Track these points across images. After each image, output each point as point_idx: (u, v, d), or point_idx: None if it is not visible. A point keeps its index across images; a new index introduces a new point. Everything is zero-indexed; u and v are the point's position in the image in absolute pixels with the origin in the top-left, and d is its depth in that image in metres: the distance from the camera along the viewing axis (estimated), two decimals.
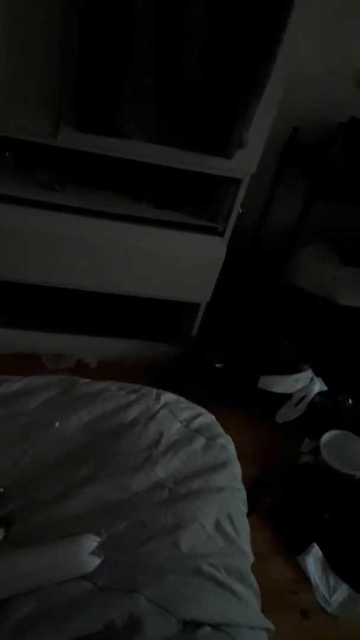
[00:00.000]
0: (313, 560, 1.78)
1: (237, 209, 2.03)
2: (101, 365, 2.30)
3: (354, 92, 2.12)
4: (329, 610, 1.68)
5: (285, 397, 2.20)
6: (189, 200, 2.12)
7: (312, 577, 1.74)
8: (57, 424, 1.32)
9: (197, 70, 1.60)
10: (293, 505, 1.93)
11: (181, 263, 2.10)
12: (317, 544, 1.82)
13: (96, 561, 1.05)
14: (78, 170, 2.01)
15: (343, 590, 1.73)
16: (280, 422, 2.21)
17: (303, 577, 1.74)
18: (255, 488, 1.94)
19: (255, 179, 1.97)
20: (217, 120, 1.70)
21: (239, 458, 1.56)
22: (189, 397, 1.68)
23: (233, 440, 1.60)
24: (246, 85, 1.65)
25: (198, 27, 1.53)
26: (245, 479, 1.90)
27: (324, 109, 2.21)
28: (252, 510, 1.84)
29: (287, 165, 2.32)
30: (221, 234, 2.08)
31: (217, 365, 2.25)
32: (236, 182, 1.96)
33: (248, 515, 1.75)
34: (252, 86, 1.65)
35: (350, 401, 2.26)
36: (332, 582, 1.75)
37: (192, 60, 1.58)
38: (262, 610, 1.25)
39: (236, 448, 1.58)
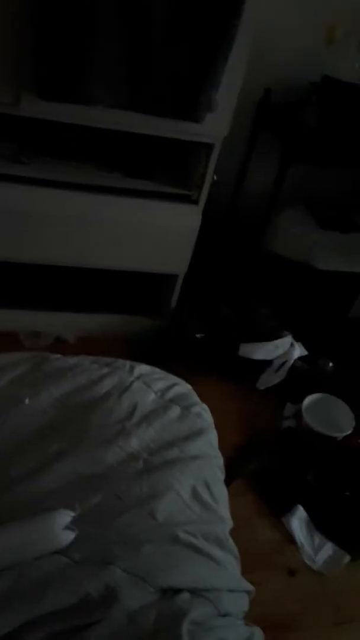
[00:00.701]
0: (298, 520, 1.82)
1: (210, 175, 1.99)
2: (80, 341, 2.28)
3: (326, 50, 2.06)
4: (314, 567, 1.72)
5: (266, 364, 2.20)
6: (161, 168, 2.07)
7: (297, 537, 1.78)
8: (27, 401, 1.31)
9: (162, 33, 1.55)
10: (277, 469, 1.96)
11: (156, 233, 2.06)
12: (302, 505, 1.84)
13: (70, 535, 1.05)
14: (45, 141, 1.95)
15: (328, 548, 1.77)
16: (262, 388, 2.22)
17: (289, 538, 1.78)
18: (239, 454, 1.97)
19: (228, 144, 1.93)
20: (184, 83, 1.65)
21: (222, 426, 1.57)
22: (170, 369, 1.68)
23: (216, 408, 1.60)
24: (211, 45, 1.59)
25: None
26: (230, 446, 1.93)
27: (296, 69, 2.15)
28: (236, 475, 1.87)
29: (260, 128, 2.27)
30: (195, 202, 2.04)
31: (198, 335, 2.25)
32: (208, 147, 1.91)
33: (231, 480, 1.78)
34: (218, 46, 1.60)
35: (330, 364, 2.27)
36: (316, 540, 1.78)
37: (156, 22, 1.53)
38: (249, 571, 1.28)
39: (219, 416, 1.59)
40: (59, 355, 1.53)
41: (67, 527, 1.06)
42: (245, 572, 1.27)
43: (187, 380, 1.65)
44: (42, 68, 1.56)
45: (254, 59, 1.71)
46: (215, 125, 1.79)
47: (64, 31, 1.49)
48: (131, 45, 1.55)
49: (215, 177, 2.01)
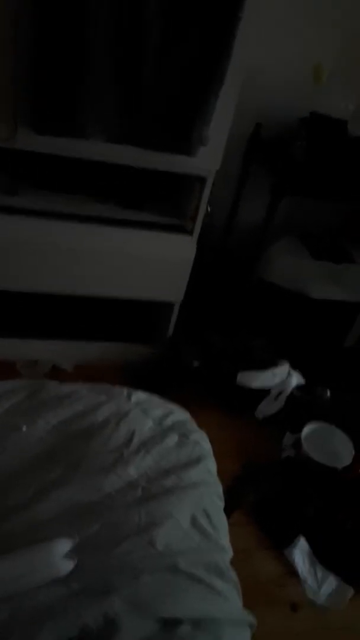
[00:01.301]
0: (300, 553, 1.78)
1: (204, 207, 2.03)
2: (78, 369, 2.27)
3: (314, 88, 2.15)
4: (318, 602, 1.67)
5: (264, 393, 2.19)
6: (156, 200, 2.12)
7: (299, 570, 1.73)
8: (24, 429, 1.30)
9: (154, 70, 1.60)
10: (277, 499, 1.93)
11: (152, 263, 2.09)
12: (303, 537, 1.81)
13: (69, 565, 1.03)
14: (40, 173, 2.00)
15: (331, 582, 1.72)
16: (260, 417, 2.21)
17: (291, 571, 1.73)
18: (238, 484, 1.94)
19: (222, 177, 1.98)
20: (177, 118, 1.71)
21: (220, 455, 1.56)
22: (167, 397, 1.67)
23: (214, 437, 1.59)
24: (203, 81, 1.66)
25: (152, 27, 1.54)
26: (228, 475, 1.91)
27: (286, 105, 2.23)
28: (236, 506, 1.84)
29: (252, 162, 2.33)
30: (190, 233, 2.08)
31: (195, 364, 2.25)
32: (201, 179, 1.96)
33: (232, 511, 1.75)
34: (209, 82, 1.66)
35: (328, 393, 2.27)
36: (319, 574, 1.74)
37: (148, 59, 1.58)
38: (250, 605, 1.24)
39: (217, 445, 1.58)
40: (56, 383, 1.53)
41: (66, 556, 1.04)
42: (246, 605, 1.24)
43: (185, 408, 1.64)
44: (38, 103, 1.60)
45: (245, 94, 1.77)
46: (207, 159, 1.84)
47: (57, 67, 1.54)
48: (123, 81, 1.60)
49: (209, 209, 2.06)
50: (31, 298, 2.11)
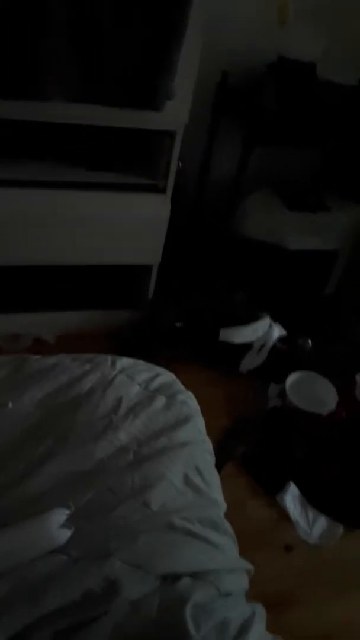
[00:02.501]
0: (291, 497, 1.84)
1: (175, 163, 1.98)
2: (60, 340, 2.26)
3: (280, 30, 2.06)
4: (310, 541, 1.75)
5: (247, 347, 2.21)
6: (125, 160, 2.05)
7: (291, 514, 1.80)
8: (10, 405, 1.29)
9: (112, 23, 1.53)
10: (266, 449, 1.98)
11: (126, 225, 2.05)
12: (293, 482, 1.87)
13: (67, 533, 1.05)
14: (2, 140, 1.91)
15: (322, 522, 1.80)
16: (245, 371, 2.24)
17: (283, 515, 1.80)
18: (228, 438, 1.98)
19: (191, 131, 1.92)
20: (140, 72, 1.64)
21: (208, 412, 1.58)
22: (152, 360, 1.68)
23: (201, 395, 1.61)
24: (164, 32, 1.58)
25: None
26: (218, 431, 1.95)
27: (252, 50, 2.14)
28: (227, 459, 1.89)
29: (220, 113, 2.27)
30: (163, 191, 2.03)
31: (177, 324, 2.25)
32: (170, 135, 1.90)
33: (223, 464, 1.80)
34: (170, 32, 1.59)
35: (310, 342, 2.30)
36: (311, 515, 1.81)
37: (105, 13, 1.50)
38: (247, 551, 1.30)
39: (205, 402, 1.60)
40: (39, 356, 1.52)
41: (63, 525, 1.06)
42: (243, 552, 1.29)
43: (170, 369, 1.65)
44: None
45: (209, 42, 1.70)
46: (175, 113, 1.78)
47: (12, 27, 1.46)
48: (81, 36, 1.53)
49: (180, 165, 2.00)
50: (6, 271, 2.06)
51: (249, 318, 2.22)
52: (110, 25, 1.53)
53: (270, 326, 2.23)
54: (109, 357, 1.53)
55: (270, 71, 2.09)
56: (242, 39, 2.11)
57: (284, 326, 2.28)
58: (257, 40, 2.11)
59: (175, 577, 1.07)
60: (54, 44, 1.51)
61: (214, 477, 1.35)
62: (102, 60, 1.59)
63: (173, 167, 1.97)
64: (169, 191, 2.03)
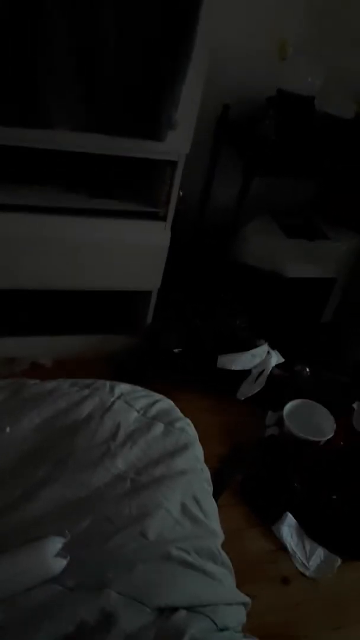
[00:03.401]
0: (288, 528, 1.82)
1: (176, 191, 2.01)
2: (57, 364, 2.25)
3: (279, 65, 2.12)
4: (307, 574, 1.72)
5: (245, 374, 2.21)
6: (127, 187, 2.08)
7: (288, 545, 1.78)
8: (7, 430, 1.29)
9: (117, 54, 1.56)
10: (263, 478, 1.96)
11: (126, 251, 2.07)
12: (290, 512, 1.85)
13: (62, 563, 1.03)
14: (5, 166, 1.94)
15: (319, 553, 1.78)
16: (242, 398, 2.23)
17: (280, 547, 1.78)
18: (224, 466, 1.97)
19: (192, 160, 1.95)
20: (144, 103, 1.67)
21: (205, 439, 1.57)
22: (150, 385, 1.67)
23: (199, 422, 1.60)
24: (168, 65, 1.62)
25: (111, 11, 1.49)
26: (215, 458, 1.93)
27: (252, 84, 2.20)
28: (224, 488, 1.87)
29: (221, 144, 2.31)
30: (163, 218, 2.06)
31: (175, 350, 2.25)
32: (172, 164, 1.93)
33: (219, 493, 1.78)
34: (175, 65, 1.63)
35: (307, 370, 2.30)
36: (308, 547, 1.79)
37: (110, 44, 1.54)
38: (244, 583, 1.28)
39: (202, 429, 1.59)
40: (36, 381, 1.51)
41: (58, 554, 1.04)
42: (240, 583, 1.27)
43: (168, 395, 1.65)
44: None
45: (212, 77, 1.75)
46: (177, 143, 1.82)
47: (14, 56, 1.49)
48: (84, 66, 1.56)
49: (181, 193, 2.04)
50: (5, 295, 2.07)
51: (247, 344, 2.22)
52: (115, 56, 1.56)
53: (269, 353, 2.24)
54: (108, 383, 1.53)
55: (270, 104, 2.15)
56: (243, 73, 2.17)
57: (282, 353, 2.28)
58: (257, 75, 2.18)
59: (172, 610, 1.05)
60: (59, 73, 1.54)
61: (211, 506, 1.34)
62: (105, 89, 1.62)
63: (174, 195, 2.00)
64: (170, 219, 2.05)
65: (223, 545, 1.31)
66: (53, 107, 1.60)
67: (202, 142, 2.18)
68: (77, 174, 2.02)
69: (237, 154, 2.23)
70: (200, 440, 1.54)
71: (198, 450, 1.46)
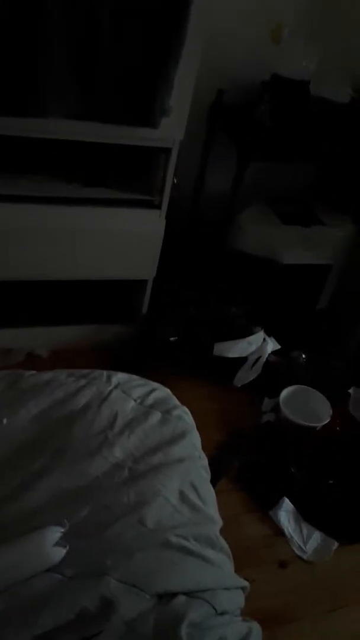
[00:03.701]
0: (285, 513, 1.84)
1: (170, 179, 1.99)
2: (53, 355, 2.25)
3: (274, 49, 2.10)
4: (305, 557, 1.74)
5: (241, 361, 2.22)
6: (121, 175, 2.06)
7: (285, 529, 1.80)
8: (4, 421, 1.29)
9: (110, 41, 1.55)
10: (260, 463, 1.98)
11: (121, 240, 2.06)
12: (287, 497, 1.87)
13: (61, 552, 1.04)
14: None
15: (316, 537, 1.80)
16: (239, 385, 2.24)
17: (277, 531, 1.80)
18: (222, 453, 1.98)
19: (186, 147, 1.94)
20: (137, 90, 1.66)
21: (203, 427, 1.58)
22: (147, 374, 1.68)
23: (196, 409, 1.61)
24: (162, 51, 1.60)
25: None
26: (212, 446, 1.94)
27: (247, 69, 2.17)
28: (221, 474, 1.88)
29: (216, 130, 2.29)
30: (158, 207, 2.05)
31: (172, 338, 2.25)
32: (166, 151, 1.92)
33: (217, 480, 1.79)
34: (168, 51, 1.61)
35: (303, 356, 2.31)
36: (305, 531, 1.81)
37: (104, 29, 1.52)
38: (242, 567, 1.30)
39: (199, 416, 1.60)
40: (33, 372, 1.51)
41: (57, 544, 1.05)
42: (238, 568, 1.29)
43: (165, 384, 1.65)
44: None
45: (205, 62, 1.72)
46: (171, 130, 1.80)
47: (10, 45, 1.48)
48: (79, 53, 1.55)
49: (175, 181, 2.02)
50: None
51: (243, 332, 2.22)
52: (109, 42, 1.54)
53: (265, 340, 2.24)
54: (104, 373, 1.53)
55: (265, 89, 2.12)
56: (237, 58, 2.14)
57: (278, 340, 2.28)
58: (251, 60, 2.15)
59: (171, 596, 1.06)
60: (52, 58, 1.52)
61: (209, 493, 1.35)
62: (100, 77, 1.60)
63: (168, 183, 1.99)
64: (164, 206, 2.04)
65: (221, 531, 1.32)
66: (48, 96, 1.59)
67: (197, 128, 2.15)
68: (71, 163, 2.00)
69: (231, 139, 2.21)
70: (197, 428, 1.55)
71: (195, 438, 1.47)
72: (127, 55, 1.58)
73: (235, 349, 2.18)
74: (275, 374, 2.24)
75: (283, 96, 2.11)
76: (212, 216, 2.42)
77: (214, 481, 1.47)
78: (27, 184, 1.90)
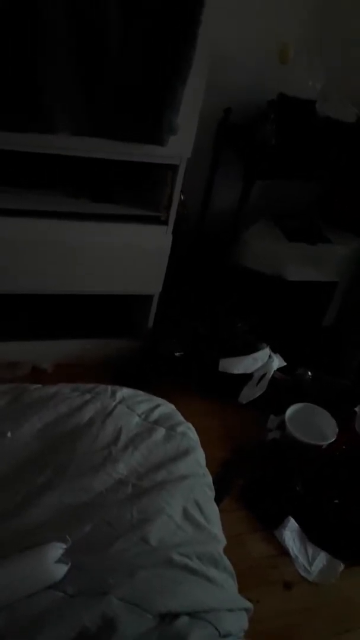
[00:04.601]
0: (290, 533, 1.81)
1: (177, 195, 2.01)
2: (58, 368, 2.25)
3: (281, 68, 2.13)
4: (310, 579, 1.71)
5: (247, 378, 2.21)
6: (128, 191, 2.08)
7: (290, 550, 1.77)
8: (8, 434, 1.28)
9: (118, 59, 1.57)
10: (265, 482, 1.95)
11: (128, 256, 2.07)
12: (292, 517, 1.84)
13: (63, 569, 1.03)
14: (7, 171, 1.95)
15: (322, 558, 1.77)
16: (244, 402, 2.23)
17: (282, 551, 1.77)
18: (226, 470, 1.96)
19: (193, 164, 1.96)
20: (145, 108, 1.68)
21: (207, 443, 1.57)
22: (152, 389, 1.67)
23: (200, 426, 1.60)
24: (170, 69, 1.62)
25: (113, 14, 1.50)
26: (217, 463, 1.93)
27: (254, 88, 2.21)
28: (225, 492, 1.86)
29: (222, 148, 2.32)
30: (165, 223, 2.06)
31: (177, 354, 2.25)
32: (173, 168, 1.94)
33: (221, 498, 1.77)
34: (176, 70, 1.63)
35: (309, 374, 2.30)
36: (310, 551, 1.78)
37: (111, 49, 1.55)
38: (246, 588, 1.28)
39: (204, 433, 1.59)
40: (38, 385, 1.51)
41: (59, 560, 1.03)
42: (242, 589, 1.27)
43: (169, 399, 1.65)
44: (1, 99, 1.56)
45: (213, 81, 1.75)
46: (178, 147, 1.82)
47: (17, 61, 1.50)
48: (86, 72, 1.57)
49: (182, 197, 2.04)
50: (6, 299, 2.08)
51: (249, 348, 2.22)
52: (116, 60, 1.57)
53: (270, 357, 2.23)
54: (109, 387, 1.53)
55: (271, 108, 2.15)
56: (244, 78, 2.17)
57: (284, 357, 2.28)
58: (258, 79, 2.18)
59: (174, 616, 1.04)
60: (61, 78, 1.55)
61: (213, 512, 1.34)
62: (108, 94, 1.62)
63: (175, 200, 2.00)
64: (171, 223, 2.06)
65: (225, 550, 1.30)
66: (56, 112, 1.61)
67: (204, 146, 2.18)
68: (78, 178, 2.02)
69: (238, 157, 2.23)
70: (201, 445, 1.53)
71: (200, 455, 1.46)
72: (135, 73, 1.61)
73: (241, 365, 2.17)
74: (281, 391, 2.23)
75: (289, 115, 2.13)
76: (218, 232, 2.44)
77: (218, 499, 1.45)
78: (36, 199, 1.92)
